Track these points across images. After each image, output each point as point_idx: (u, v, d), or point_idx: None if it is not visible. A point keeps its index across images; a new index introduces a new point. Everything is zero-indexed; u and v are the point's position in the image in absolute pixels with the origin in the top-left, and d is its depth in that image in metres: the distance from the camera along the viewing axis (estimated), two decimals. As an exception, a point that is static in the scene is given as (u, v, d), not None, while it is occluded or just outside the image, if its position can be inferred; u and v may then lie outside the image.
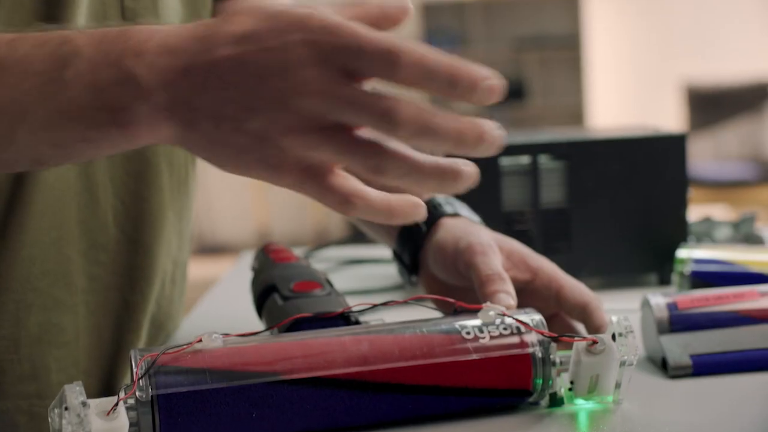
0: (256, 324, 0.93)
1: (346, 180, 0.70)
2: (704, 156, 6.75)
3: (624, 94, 7.55)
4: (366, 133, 0.68)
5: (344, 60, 0.66)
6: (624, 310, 0.94)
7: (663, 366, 0.92)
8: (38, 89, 0.69)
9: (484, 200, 1.14)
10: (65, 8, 0.88)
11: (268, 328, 0.85)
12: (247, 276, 1.35)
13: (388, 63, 0.65)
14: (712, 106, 7.08)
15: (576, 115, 7.39)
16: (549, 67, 7.49)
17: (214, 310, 1.28)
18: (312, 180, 0.70)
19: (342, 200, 0.70)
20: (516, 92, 7.52)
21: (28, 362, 0.94)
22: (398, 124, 0.66)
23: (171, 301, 1.09)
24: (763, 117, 7.05)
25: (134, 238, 1.01)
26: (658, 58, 7.41)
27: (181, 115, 0.68)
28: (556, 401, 0.83)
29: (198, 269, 1.12)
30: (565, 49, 7.43)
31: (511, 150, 1.23)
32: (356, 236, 1.60)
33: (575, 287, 0.92)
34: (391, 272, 1.38)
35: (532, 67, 7.53)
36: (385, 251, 1.43)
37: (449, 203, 1.01)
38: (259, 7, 0.69)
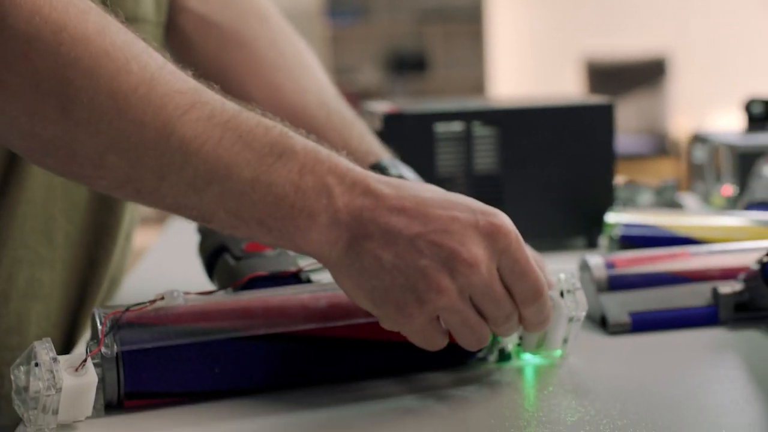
0: (201, 285, 0.94)
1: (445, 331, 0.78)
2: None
3: (525, 67, 7.62)
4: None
5: (507, 266, 0.76)
6: (560, 271, 0.97)
7: (602, 324, 0.96)
8: (250, 164, 0.74)
9: (419, 166, 1.16)
10: None
11: (225, 286, 0.87)
12: (179, 241, 1.37)
13: (528, 298, 0.78)
14: (611, 80, 7.18)
15: (477, 87, 7.45)
16: (451, 40, 7.54)
17: (153, 274, 1.29)
18: (427, 331, 0.77)
19: (436, 346, 0.78)
20: (418, 64, 7.56)
21: (15, 316, 0.97)
22: (509, 332, 0.80)
23: (124, 256, 1.12)
24: (661, 92, 7.17)
25: (102, 195, 1.02)
26: (559, 32, 7.50)
27: (354, 237, 0.74)
28: (504, 356, 0.87)
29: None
30: (468, 21, 7.48)
31: (445, 117, 1.26)
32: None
33: (521, 248, 0.96)
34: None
35: (435, 40, 7.57)
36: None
37: (395, 166, 1.04)
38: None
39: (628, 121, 7.06)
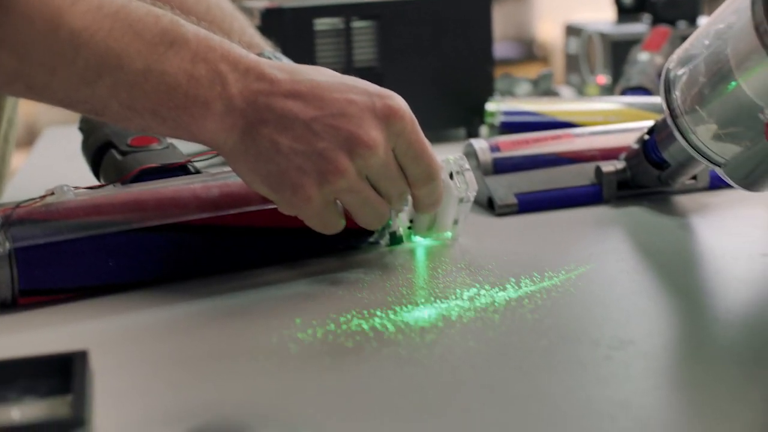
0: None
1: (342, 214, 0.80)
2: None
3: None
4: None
5: (403, 148, 0.77)
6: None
7: (489, 206, 0.97)
8: (141, 54, 0.73)
9: (299, 60, 1.15)
10: None
11: (115, 180, 0.86)
12: (58, 147, 1.35)
13: (422, 180, 0.79)
14: (476, -14, 7.20)
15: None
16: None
17: (34, 180, 1.27)
18: (325, 213, 0.77)
19: (333, 228, 0.79)
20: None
21: None
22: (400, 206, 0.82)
23: (3, 161, 1.10)
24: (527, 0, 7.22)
25: None
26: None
27: (249, 123, 0.74)
28: (395, 239, 0.87)
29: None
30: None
31: (324, 11, 1.26)
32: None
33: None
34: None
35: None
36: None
37: (277, 58, 1.03)
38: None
39: (497, 29, 7.09)
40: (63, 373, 0.60)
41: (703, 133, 0.84)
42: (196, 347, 0.70)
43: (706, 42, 0.83)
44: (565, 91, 1.56)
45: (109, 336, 0.72)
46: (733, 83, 0.80)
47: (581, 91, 1.55)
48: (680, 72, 0.86)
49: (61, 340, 0.72)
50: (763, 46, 0.75)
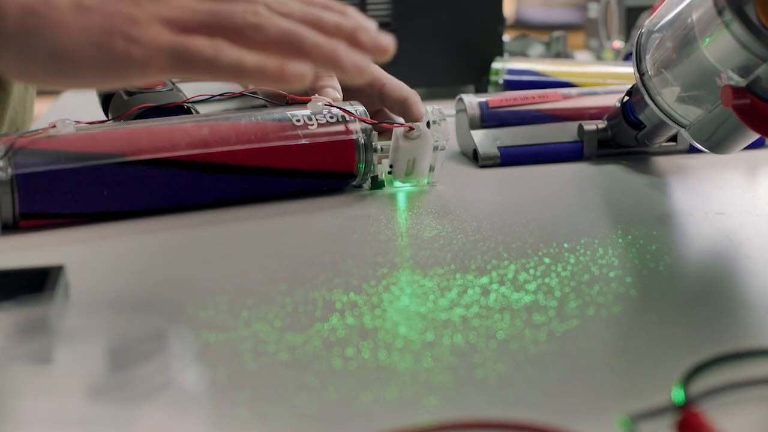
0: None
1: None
2: (534, 3, 6.87)
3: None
4: None
5: None
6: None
7: (474, 158, 1.03)
8: None
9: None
10: None
11: (116, 117, 0.92)
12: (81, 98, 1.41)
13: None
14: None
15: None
16: None
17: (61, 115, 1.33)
18: (176, 46, 0.64)
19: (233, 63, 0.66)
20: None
21: None
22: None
23: (24, 107, 1.15)
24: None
25: None
26: None
27: None
28: (377, 184, 0.93)
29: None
30: None
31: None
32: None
33: (396, 84, 1.01)
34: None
35: None
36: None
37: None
38: None
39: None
40: (41, 285, 0.67)
41: (668, 95, 0.89)
42: (169, 272, 0.76)
43: (677, 8, 0.87)
44: (583, 55, 1.60)
45: (93, 257, 0.79)
46: (696, 48, 0.84)
47: (599, 56, 1.59)
48: (653, 36, 0.90)
49: (53, 257, 0.78)
50: (717, 13, 0.80)
